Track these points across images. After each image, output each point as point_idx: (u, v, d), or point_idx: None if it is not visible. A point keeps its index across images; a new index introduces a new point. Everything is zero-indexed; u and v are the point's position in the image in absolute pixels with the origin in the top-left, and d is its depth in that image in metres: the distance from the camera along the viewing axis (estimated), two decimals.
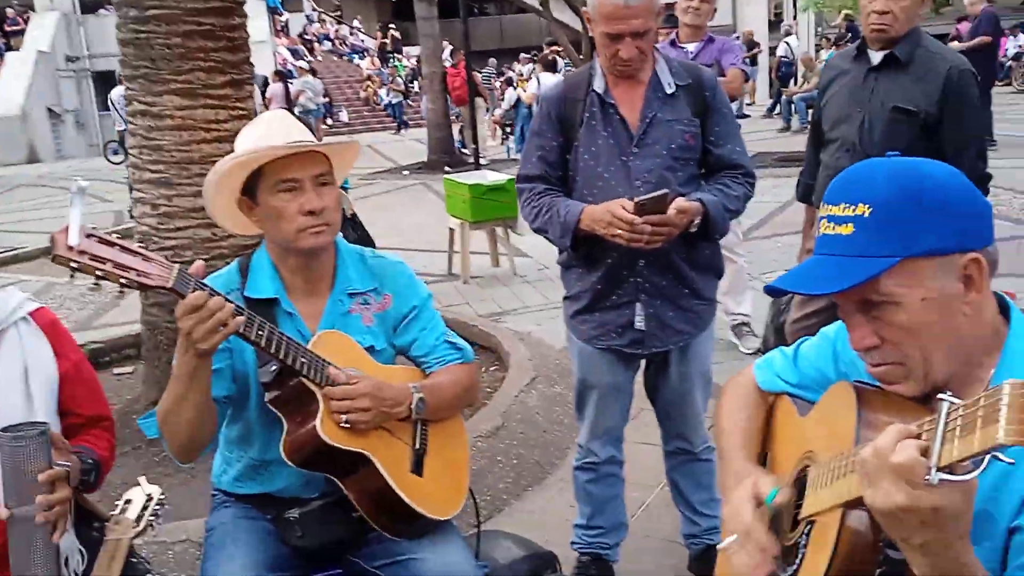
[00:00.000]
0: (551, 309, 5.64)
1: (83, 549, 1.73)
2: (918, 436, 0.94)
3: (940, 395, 0.92)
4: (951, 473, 0.89)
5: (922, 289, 1.13)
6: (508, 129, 16.15)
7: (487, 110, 16.93)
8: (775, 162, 10.66)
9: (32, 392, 1.75)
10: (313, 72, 20.34)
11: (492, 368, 4.50)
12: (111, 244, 1.58)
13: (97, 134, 22.78)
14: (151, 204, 3.91)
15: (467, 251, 6.62)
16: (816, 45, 20.79)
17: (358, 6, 33.27)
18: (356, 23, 30.81)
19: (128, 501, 1.89)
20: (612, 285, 2.38)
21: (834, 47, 15.25)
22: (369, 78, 25.35)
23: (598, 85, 2.37)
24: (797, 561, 1.21)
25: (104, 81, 17.34)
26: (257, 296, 1.88)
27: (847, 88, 2.96)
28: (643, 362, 2.54)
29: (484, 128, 15.67)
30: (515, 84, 18.72)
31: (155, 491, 1.93)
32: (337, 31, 30.01)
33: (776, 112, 16.27)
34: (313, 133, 2.01)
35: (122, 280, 1.58)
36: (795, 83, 16.07)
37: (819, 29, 24.22)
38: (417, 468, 1.89)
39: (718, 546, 1.38)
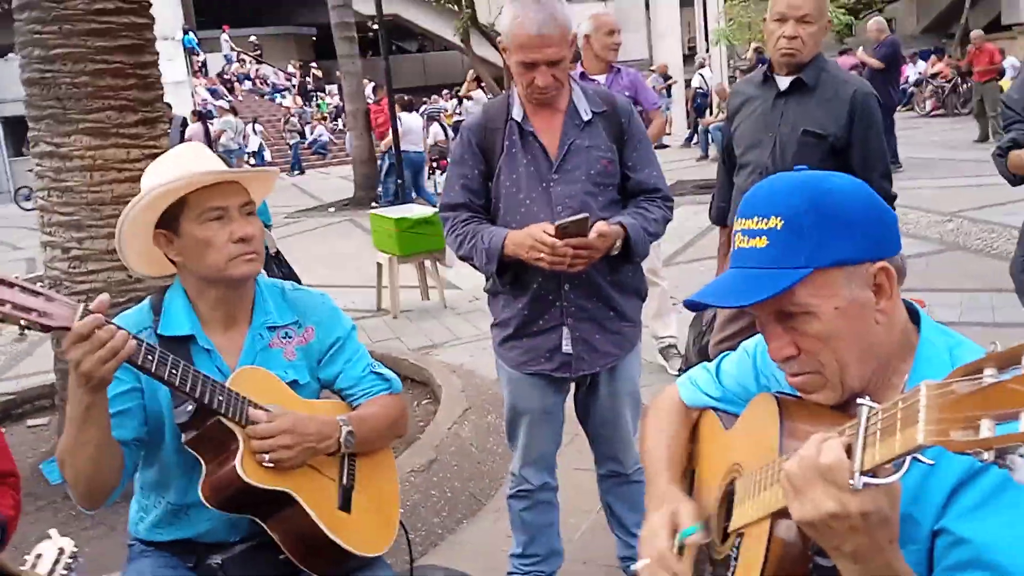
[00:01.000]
0: (483, 340, 5.62)
1: None
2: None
3: (859, 400, 0.93)
4: (874, 476, 0.90)
5: (835, 298, 1.16)
6: (434, 164, 16.17)
7: None
8: (695, 189, 10.95)
9: None
10: (234, 111, 20.06)
11: (425, 401, 4.45)
12: (10, 285, 1.52)
13: (8, 179, 22.00)
14: (61, 248, 3.77)
15: (396, 285, 6.56)
16: (730, 77, 21.47)
17: (277, 45, 33.05)
18: (286, 66, 30.53)
19: (39, 556, 1.79)
20: (539, 310, 2.38)
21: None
22: (290, 117, 25.15)
23: (516, 113, 2.39)
24: (729, 574, 1.21)
25: (14, 126, 16.75)
26: (172, 334, 1.81)
27: (757, 113, 3.05)
28: (573, 386, 2.54)
29: None
30: (439, 119, 18.82)
31: (67, 544, 1.84)
32: (258, 71, 29.73)
33: (693, 142, 16.75)
34: None
35: (22, 321, 1.51)
36: (710, 113, 16.56)
37: (731, 61, 25.08)
38: (345, 504, 1.83)
39: (631, 567, 1.38)
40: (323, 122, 25.04)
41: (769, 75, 3.03)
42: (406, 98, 12.65)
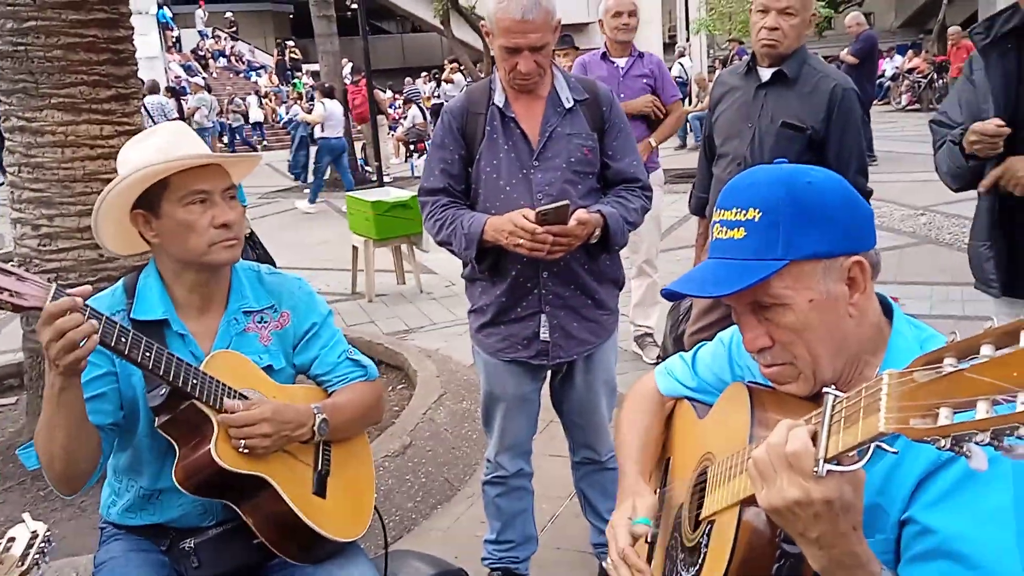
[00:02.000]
0: (458, 326, 5.62)
1: None
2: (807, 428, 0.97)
3: (825, 389, 0.95)
4: (838, 464, 0.92)
5: (809, 291, 1.17)
6: (412, 147, 16.08)
7: (389, 128, 16.85)
8: (673, 178, 10.91)
9: None
10: (208, 89, 19.78)
11: (400, 387, 4.44)
12: None
13: None
14: (31, 225, 3.70)
15: (371, 269, 6.53)
16: (709, 66, 21.52)
17: (254, 22, 32.61)
18: (262, 43, 30.13)
19: (11, 540, 1.76)
20: (516, 297, 2.38)
21: (724, 68, 15.86)
22: (267, 95, 24.83)
23: (498, 99, 2.38)
24: (699, 561, 1.23)
25: None
26: (145, 318, 1.79)
27: (737, 104, 3.06)
28: (549, 373, 2.55)
29: (387, 146, 15.55)
30: (418, 102, 18.71)
31: (40, 527, 1.81)
32: (233, 47, 29.31)
33: None
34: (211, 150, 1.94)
35: None
36: (689, 103, 16.61)
37: (711, 51, 25.14)
38: (320, 490, 1.83)
39: (603, 564, 1.42)
40: (299, 101, 24.75)
41: (752, 66, 3.04)
42: (327, 85, 12.90)
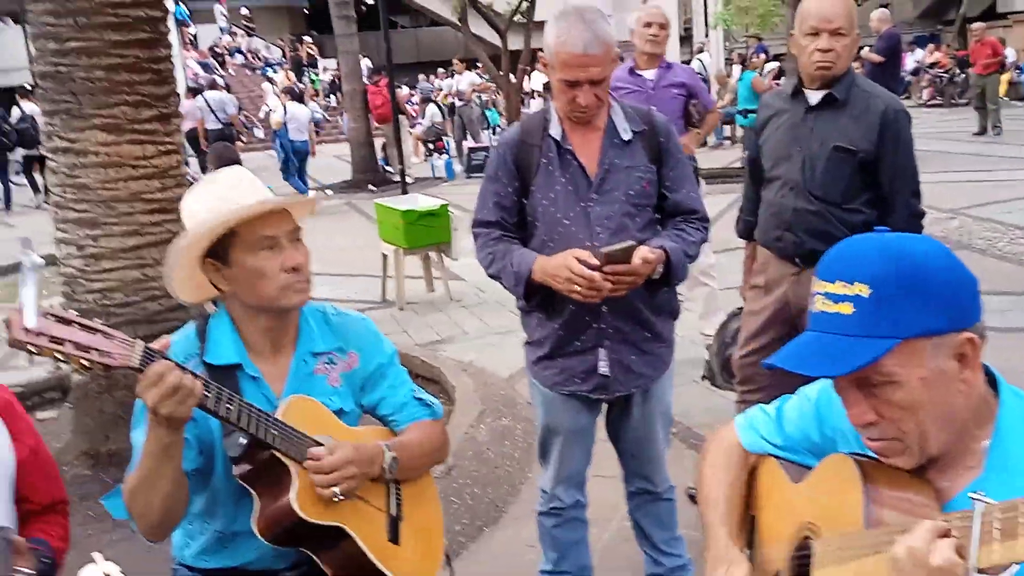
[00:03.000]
0: (490, 335, 5.62)
1: None
2: (948, 532, 0.96)
3: (971, 495, 0.93)
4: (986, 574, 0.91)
5: (920, 369, 1.16)
6: (432, 146, 16.08)
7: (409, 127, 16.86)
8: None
9: None
10: (227, 87, 19.80)
11: (438, 400, 4.45)
12: (69, 322, 1.50)
13: None
14: (76, 245, 3.74)
15: (402, 278, 6.54)
16: (726, 59, 21.39)
17: (269, 18, 32.63)
18: (277, 39, 30.16)
19: None
20: (574, 331, 2.37)
21: (742, 65, 15.76)
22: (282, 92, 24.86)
23: (554, 131, 2.37)
24: None
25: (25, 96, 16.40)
26: (218, 362, 1.80)
27: (785, 127, 3.04)
28: (604, 405, 2.54)
29: (407, 146, 15.56)
30: (435, 99, 18.68)
31: (113, 570, 1.82)
32: (250, 44, 29.35)
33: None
34: None
35: (83, 361, 1.49)
36: None
37: (726, 44, 24.97)
38: (394, 536, 1.84)
39: None
40: (315, 98, 24.78)
41: (799, 89, 3.01)
42: (298, 89, 13.28)
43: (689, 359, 4.40)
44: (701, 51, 19.17)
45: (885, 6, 16.65)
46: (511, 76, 14.48)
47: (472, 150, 14.68)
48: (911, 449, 1.21)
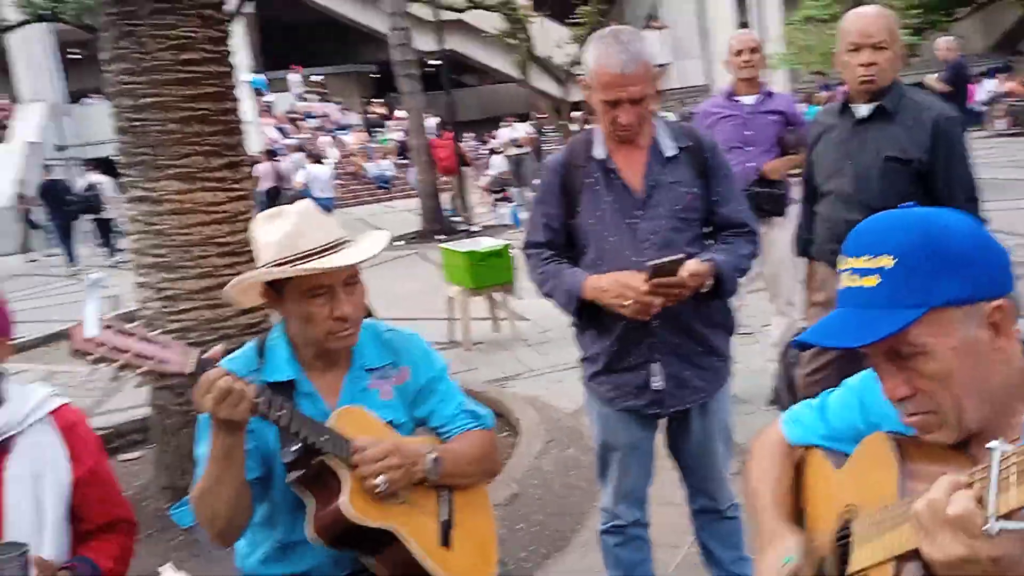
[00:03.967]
0: (556, 372, 5.63)
1: None
2: (969, 485, 0.94)
3: (989, 444, 0.92)
4: (1008, 520, 0.89)
5: (951, 338, 1.14)
6: (498, 194, 16.36)
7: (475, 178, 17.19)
8: None
9: (42, 499, 1.74)
10: (301, 148, 20.55)
11: (504, 434, 4.47)
12: (128, 334, 1.59)
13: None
14: (154, 288, 3.92)
15: (468, 318, 6.63)
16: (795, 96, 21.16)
17: (341, 84, 33.88)
18: (349, 103, 31.30)
19: None
20: (627, 346, 2.38)
21: (807, 101, 15.63)
22: (353, 153, 25.71)
23: (598, 152, 2.41)
24: None
25: (95, 168, 17.51)
26: (276, 379, 1.87)
27: (835, 142, 3.03)
28: (663, 421, 2.53)
29: (474, 196, 15.86)
30: (500, 150, 19.02)
31: None
32: (323, 109, 30.49)
33: None
34: None
35: (142, 368, 1.59)
36: None
37: (792, 84, 24.76)
38: (445, 540, 1.86)
39: None
40: (386, 157, 25.52)
41: (846, 104, 3.01)
42: (316, 152, 14.67)
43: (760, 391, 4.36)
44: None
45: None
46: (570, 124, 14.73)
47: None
48: (948, 423, 1.18)
